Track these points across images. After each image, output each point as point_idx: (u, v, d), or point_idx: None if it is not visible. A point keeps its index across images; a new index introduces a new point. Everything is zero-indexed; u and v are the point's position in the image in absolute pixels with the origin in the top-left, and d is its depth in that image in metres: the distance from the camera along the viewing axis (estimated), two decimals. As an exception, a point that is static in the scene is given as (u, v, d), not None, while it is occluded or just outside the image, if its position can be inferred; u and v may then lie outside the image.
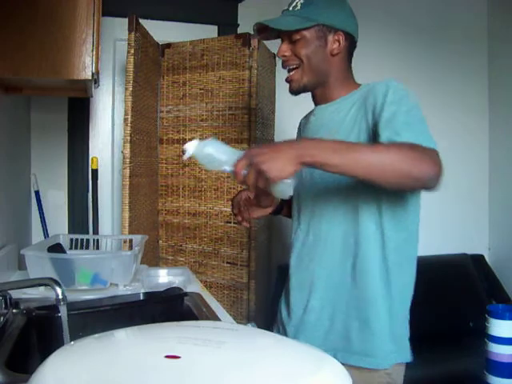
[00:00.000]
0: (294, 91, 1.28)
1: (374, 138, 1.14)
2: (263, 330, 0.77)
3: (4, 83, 1.66)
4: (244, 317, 2.26)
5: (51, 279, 1.04)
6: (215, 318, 1.29)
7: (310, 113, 1.38)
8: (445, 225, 3.13)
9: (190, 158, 1.03)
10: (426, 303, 2.74)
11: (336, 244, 1.21)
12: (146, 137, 2.31)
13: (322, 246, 1.24)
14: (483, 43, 3.22)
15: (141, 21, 2.13)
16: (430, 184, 1.04)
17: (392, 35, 3.06)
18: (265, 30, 1.28)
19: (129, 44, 2.05)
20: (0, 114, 1.80)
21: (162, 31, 2.54)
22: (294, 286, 1.31)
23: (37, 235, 2.46)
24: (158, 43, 2.42)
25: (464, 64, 3.18)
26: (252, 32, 1.32)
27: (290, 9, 1.24)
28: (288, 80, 1.28)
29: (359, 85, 1.30)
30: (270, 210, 1.42)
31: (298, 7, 1.23)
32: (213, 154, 1.02)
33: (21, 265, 1.75)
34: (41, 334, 1.24)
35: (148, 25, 2.25)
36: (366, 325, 1.18)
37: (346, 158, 0.98)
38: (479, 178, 3.23)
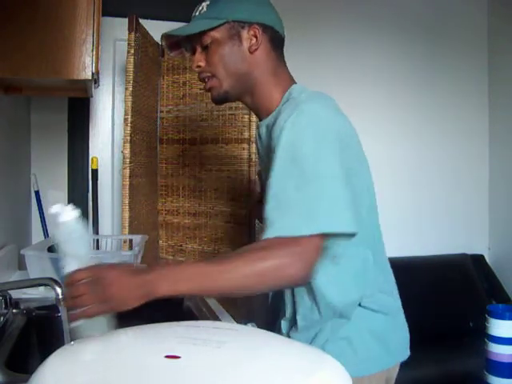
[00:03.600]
0: (215, 99, 1.16)
1: None
2: (263, 330, 0.77)
3: (4, 83, 1.65)
4: (244, 317, 2.25)
5: (51, 279, 1.03)
6: (215, 318, 1.29)
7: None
8: (445, 225, 3.13)
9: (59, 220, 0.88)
10: (426, 303, 2.75)
11: None
12: (146, 137, 2.31)
13: None
14: (483, 42, 3.22)
15: (141, 21, 2.13)
16: (296, 284, 0.97)
17: (392, 34, 3.06)
18: (176, 46, 1.17)
19: (129, 44, 2.04)
20: (0, 114, 1.80)
21: (162, 31, 2.53)
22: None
23: (37, 235, 2.46)
24: (157, 43, 2.42)
25: (464, 62, 3.18)
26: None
27: (197, 13, 1.12)
28: (206, 89, 1.16)
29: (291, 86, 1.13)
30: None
31: (205, 9, 1.11)
32: (80, 238, 0.89)
33: (21, 265, 1.75)
34: (41, 333, 1.24)
35: (148, 25, 2.25)
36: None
37: (194, 288, 0.91)
38: (479, 177, 3.23)
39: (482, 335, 2.19)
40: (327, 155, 0.97)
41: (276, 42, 1.14)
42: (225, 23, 1.08)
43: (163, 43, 1.18)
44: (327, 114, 1.02)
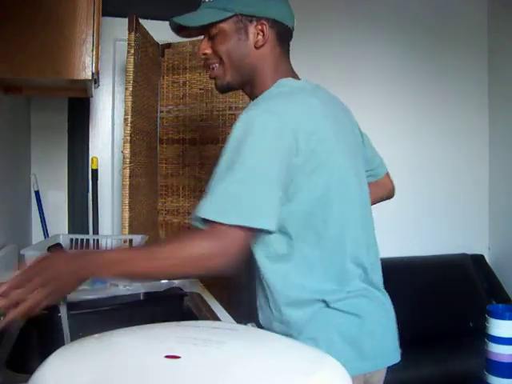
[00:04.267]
0: (219, 89, 1.17)
1: None
2: (263, 330, 0.77)
3: (4, 83, 1.65)
4: (244, 317, 2.25)
5: (51, 279, 1.03)
6: (215, 318, 1.29)
7: None
8: (445, 225, 3.13)
9: None
10: (426, 303, 2.75)
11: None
12: (146, 137, 2.31)
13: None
14: (483, 42, 3.22)
15: (141, 21, 2.13)
16: (218, 273, 0.97)
17: (392, 34, 3.06)
18: (184, 28, 1.16)
19: (129, 44, 2.04)
20: (0, 114, 1.80)
21: (162, 31, 2.52)
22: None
23: (37, 235, 2.46)
24: (157, 43, 2.42)
25: (464, 62, 3.18)
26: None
27: (206, 0, 1.11)
28: (211, 77, 1.16)
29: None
30: None
31: None
32: None
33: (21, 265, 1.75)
34: (41, 333, 1.24)
35: (148, 25, 2.25)
36: None
37: (117, 272, 0.99)
38: (479, 177, 3.23)
39: (482, 335, 2.19)
40: (267, 153, 0.98)
41: (283, 36, 1.13)
42: (232, 16, 1.08)
43: (171, 26, 1.17)
44: (282, 112, 1.01)
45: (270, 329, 1.12)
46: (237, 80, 1.14)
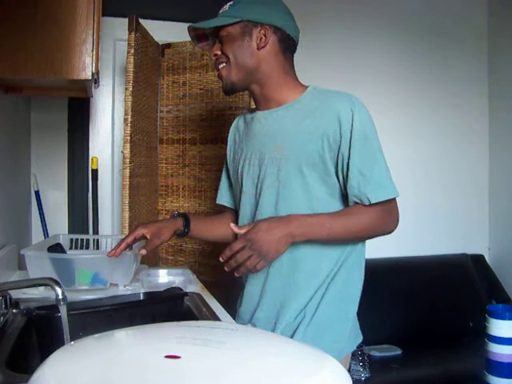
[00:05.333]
0: (225, 88, 1.31)
1: (323, 165, 1.22)
2: (263, 330, 0.77)
3: (4, 83, 1.66)
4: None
5: (51, 279, 1.03)
6: (215, 318, 1.29)
7: (251, 118, 1.37)
8: (445, 225, 3.13)
9: None
10: (426, 303, 2.75)
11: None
12: (146, 137, 2.31)
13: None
14: (483, 42, 3.22)
15: (141, 21, 2.13)
16: (391, 232, 1.25)
17: (392, 34, 3.06)
18: (203, 38, 1.36)
19: (129, 44, 2.04)
20: (0, 114, 1.80)
21: (162, 31, 2.54)
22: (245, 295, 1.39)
23: (37, 235, 2.46)
24: (157, 43, 2.42)
25: (464, 62, 3.18)
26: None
27: (221, 11, 1.30)
28: (219, 76, 1.32)
29: (305, 86, 1.31)
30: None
31: (227, 8, 1.29)
32: None
33: (21, 265, 1.75)
34: (41, 334, 1.23)
35: (148, 25, 2.25)
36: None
37: (332, 232, 1.19)
38: (479, 177, 3.23)
39: (482, 335, 2.19)
40: (381, 152, 1.26)
41: (285, 44, 1.28)
42: (240, 22, 1.25)
43: (190, 35, 1.34)
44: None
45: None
46: (242, 79, 1.28)
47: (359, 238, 1.28)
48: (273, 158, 1.27)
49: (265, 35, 1.25)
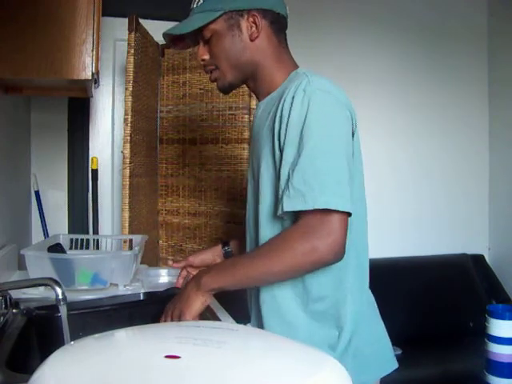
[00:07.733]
0: (221, 90, 1.17)
1: (273, 163, 1.05)
2: (263, 330, 0.77)
3: (4, 83, 1.65)
4: (244, 317, 2.25)
5: (51, 279, 1.04)
6: (215, 318, 1.29)
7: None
8: (445, 225, 3.13)
9: None
10: (426, 303, 2.75)
11: None
12: (146, 137, 2.31)
13: None
14: (483, 42, 3.22)
15: (141, 21, 2.13)
16: (329, 262, 0.97)
17: (392, 34, 3.06)
18: (180, 40, 1.17)
19: (129, 44, 2.04)
20: (0, 114, 1.80)
21: (162, 31, 2.53)
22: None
23: (37, 235, 2.46)
24: (157, 43, 2.42)
25: (464, 62, 3.18)
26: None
27: (195, 6, 1.11)
28: (212, 81, 1.17)
29: (295, 70, 1.13)
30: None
31: (201, 1, 1.09)
32: None
33: (21, 265, 1.75)
34: (41, 333, 1.24)
35: (148, 25, 2.25)
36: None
37: (235, 279, 1.03)
38: (479, 177, 3.23)
39: (482, 335, 2.19)
40: (335, 133, 1.00)
41: (277, 24, 1.12)
42: (222, 14, 1.08)
43: (165, 40, 1.18)
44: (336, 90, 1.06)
45: None
46: (238, 77, 1.14)
47: (278, 278, 1.03)
48: (257, 155, 1.14)
49: (255, 23, 1.08)
